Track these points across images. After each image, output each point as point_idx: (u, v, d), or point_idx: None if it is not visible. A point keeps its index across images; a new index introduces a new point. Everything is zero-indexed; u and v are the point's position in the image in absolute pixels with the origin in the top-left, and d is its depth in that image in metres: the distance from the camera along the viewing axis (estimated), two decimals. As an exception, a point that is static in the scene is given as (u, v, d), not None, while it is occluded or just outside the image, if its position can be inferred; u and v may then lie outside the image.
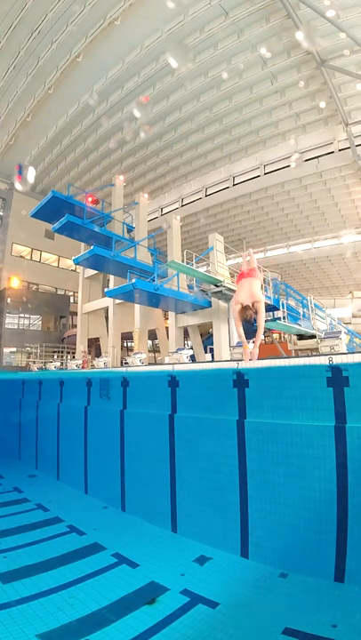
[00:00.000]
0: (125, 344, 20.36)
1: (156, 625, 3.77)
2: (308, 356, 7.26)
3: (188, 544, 5.63)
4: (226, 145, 17.62)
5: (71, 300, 23.77)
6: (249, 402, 5.55)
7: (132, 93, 14.83)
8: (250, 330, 4.95)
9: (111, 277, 14.92)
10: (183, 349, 10.61)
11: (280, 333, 16.68)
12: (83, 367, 12.73)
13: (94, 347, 18.37)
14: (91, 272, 16.32)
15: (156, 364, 16.48)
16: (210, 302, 12.69)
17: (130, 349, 19.21)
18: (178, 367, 6.78)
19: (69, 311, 23.09)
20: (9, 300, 20.15)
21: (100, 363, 11.68)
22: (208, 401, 6.12)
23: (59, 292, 24.21)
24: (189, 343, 16.53)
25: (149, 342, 18.76)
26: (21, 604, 4.04)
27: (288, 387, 5.17)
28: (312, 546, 4.59)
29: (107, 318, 16.20)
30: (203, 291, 12.57)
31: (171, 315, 14.51)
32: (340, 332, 8.34)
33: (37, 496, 7.94)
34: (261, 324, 4.77)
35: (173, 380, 6.73)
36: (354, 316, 23.18)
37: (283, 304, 11.99)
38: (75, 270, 21.59)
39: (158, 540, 5.86)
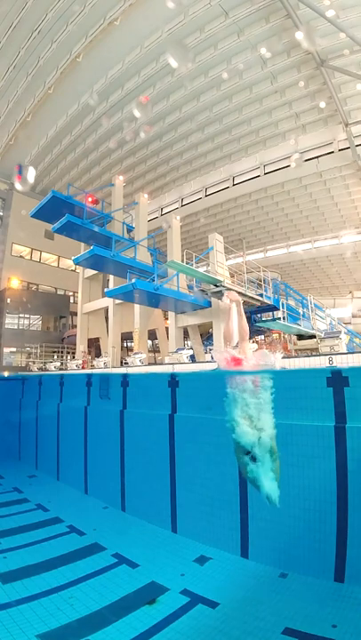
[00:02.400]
0: (125, 344, 20.36)
1: (156, 625, 3.77)
2: (307, 356, 7.26)
3: (188, 544, 5.62)
4: (226, 145, 17.62)
5: (71, 300, 23.76)
6: (249, 402, 5.54)
7: (132, 93, 14.83)
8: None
9: (111, 277, 14.93)
10: (183, 349, 10.64)
11: (280, 333, 16.69)
12: (83, 367, 12.74)
13: (94, 347, 18.38)
14: (91, 272, 16.33)
15: (156, 364, 16.49)
16: (210, 302, 12.70)
17: (130, 349, 19.21)
18: (178, 368, 6.78)
19: (69, 311, 23.09)
20: (9, 301, 20.14)
21: (100, 363, 11.70)
22: (208, 401, 6.12)
23: (58, 293, 24.21)
24: (189, 343, 16.54)
25: (149, 342, 18.77)
26: (21, 605, 4.04)
27: (288, 387, 5.17)
28: (312, 546, 4.59)
29: (107, 318, 16.20)
30: (202, 291, 12.58)
31: (171, 315, 14.52)
32: (339, 331, 8.36)
33: (37, 496, 7.93)
34: None
35: (173, 381, 6.73)
36: (354, 316, 23.22)
37: (283, 304, 12.02)
38: (75, 270, 21.59)
39: (158, 539, 5.86)
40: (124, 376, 7.88)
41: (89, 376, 9.10)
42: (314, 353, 10.02)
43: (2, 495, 8.03)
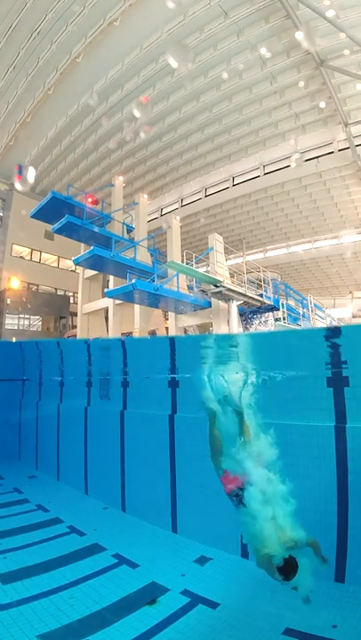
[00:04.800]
0: (125, 344, 20.35)
1: (156, 625, 3.77)
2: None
3: (188, 544, 5.62)
4: (225, 145, 17.63)
5: (71, 301, 23.76)
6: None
7: (132, 94, 14.84)
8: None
9: (111, 278, 14.93)
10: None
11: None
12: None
13: (94, 347, 18.36)
14: (90, 272, 16.33)
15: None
16: (210, 302, 12.70)
17: (130, 350, 19.18)
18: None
19: (69, 311, 23.09)
20: (9, 301, 20.14)
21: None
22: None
23: (58, 293, 24.21)
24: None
25: (149, 342, 18.74)
26: (22, 605, 4.03)
27: (287, 388, 5.18)
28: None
29: (107, 319, 16.20)
30: (202, 291, 12.59)
31: (171, 315, 14.52)
32: (340, 332, 8.34)
33: (37, 497, 7.92)
34: None
35: (173, 381, 6.73)
36: (354, 316, 23.26)
37: (283, 304, 12.03)
38: (74, 271, 21.59)
39: (158, 540, 5.85)
40: (125, 377, 7.89)
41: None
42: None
43: (2, 496, 8.03)
